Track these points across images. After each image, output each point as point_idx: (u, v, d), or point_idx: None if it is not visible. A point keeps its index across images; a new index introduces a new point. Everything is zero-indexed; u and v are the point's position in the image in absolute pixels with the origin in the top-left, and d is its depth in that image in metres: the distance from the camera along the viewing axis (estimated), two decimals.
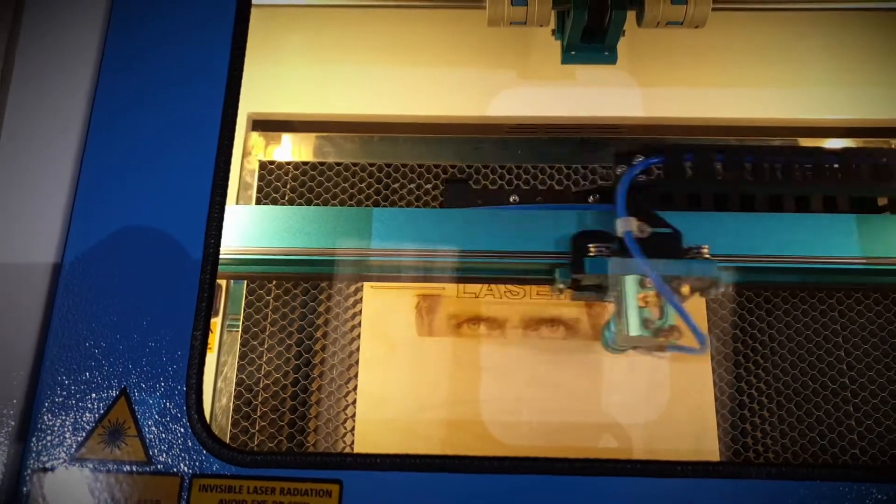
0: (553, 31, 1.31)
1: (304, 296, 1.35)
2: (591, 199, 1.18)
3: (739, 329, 1.34)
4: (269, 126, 1.46)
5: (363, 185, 1.43)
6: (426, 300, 1.35)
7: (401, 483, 0.75)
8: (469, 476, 0.76)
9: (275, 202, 1.40)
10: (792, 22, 1.53)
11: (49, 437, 0.76)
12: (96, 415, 0.77)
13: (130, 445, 0.76)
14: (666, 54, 1.49)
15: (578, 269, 1.06)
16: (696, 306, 1.34)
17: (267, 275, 1.28)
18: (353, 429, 1.28)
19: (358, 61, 1.50)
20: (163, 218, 0.84)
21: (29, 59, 0.91)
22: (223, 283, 1.34)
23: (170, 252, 0.83)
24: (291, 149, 1.47)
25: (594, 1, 1.20)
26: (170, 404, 0.77)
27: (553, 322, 1.32)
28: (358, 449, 1.26)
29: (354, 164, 1.44)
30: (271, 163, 1.44)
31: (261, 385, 1.30)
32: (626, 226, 1.04)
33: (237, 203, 1.40)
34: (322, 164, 1.44)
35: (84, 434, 0.77)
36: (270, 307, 1.34)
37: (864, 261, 1.09)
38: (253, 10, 0.95)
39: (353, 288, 1.35)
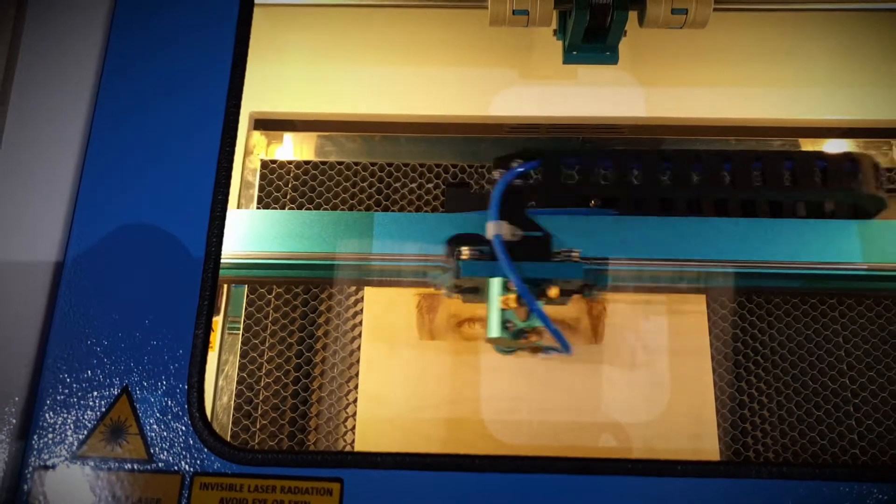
0: (554, 31, 1.31)
1: (305, 294, 1.36)
2: (592, 203, 1.19)
3: (739, 329, 1.34)
4: (271, 125, 1.46)
5: (364, 184, 1.43)
6: (427, 299, 1.35)
7: (402, 481, 0.76)
8: (470, 475, 0.76)
9: (276, 201, 1.41)
10: (793, 22, 1.53)
11: (50, 435, 0.77)
12: (98, 413, 0.77)
13: (132, 443, 0.76)
14: (667, 54, 1.49)
15: (450, 271, 1.10)
16: (696, 307, 1.34)
17: (267, 279, 1.28)
18: (353, 427, 1.28)
19: (360, 60, 1.50)
20: (165, 216, 0.84)
21: (32, 57, 0.91)
22: (224, 286, 1.35)
23: (172, 250, 0.83)
24: (293, 148, 1.47)
25: (596, 1, 1.20)
26: (171, 402, 0.77)
27: (553, 322, 1.32)
28: (359, 447, 1.26)
29: (356, 164, 1.44)
30: (273, 162, 1.44)
31: (262, 384, 1.30)
32: (496, 229, 1.07)
33: (239, 201, 1.40)
34: (324, 163, 1.44)
35: (85, 432, 0.77)
36: (272, 306, 1.34)
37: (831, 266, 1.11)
38: (255, 9, 0.95)
39: (354, 287, 1.36)
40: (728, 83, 1.49)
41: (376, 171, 1.44)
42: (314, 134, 1.48)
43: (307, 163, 1.44)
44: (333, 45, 1.51)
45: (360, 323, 1.33)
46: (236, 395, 1.29)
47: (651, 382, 1.31)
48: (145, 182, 0.86)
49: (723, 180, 1.15)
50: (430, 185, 1.43)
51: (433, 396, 1.30)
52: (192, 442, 0.76)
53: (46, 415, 0.77)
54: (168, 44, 0.92)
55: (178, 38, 0.92)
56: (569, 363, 1.32)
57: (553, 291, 1.08)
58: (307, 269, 1.16)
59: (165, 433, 0.77)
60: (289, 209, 1.40)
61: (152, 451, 0.76)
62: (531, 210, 1.16)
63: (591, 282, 1.10)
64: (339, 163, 1.44)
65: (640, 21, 1.23)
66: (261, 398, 1.29)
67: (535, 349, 1.10)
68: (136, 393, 0.78)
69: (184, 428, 0.77)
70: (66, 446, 0.76)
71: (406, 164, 1.44)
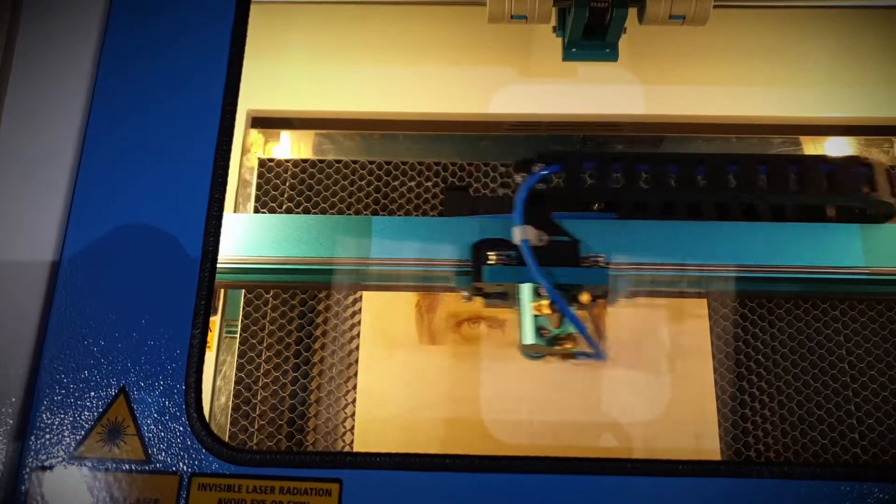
0: (554, 29, 1.31)
1: (303, 293, 1.35)
2: (595, 206, 1.18)
3: (741, 328, 1.33)
4: (268, 123, 1.46)
5: (363, 182, 1.42)
6: (426, 299, 1.34)
7: (401, 482, 0.75)
8: (469, 475, 0.75)
9: (274, 200, 1.40)
10: (792, 20, 1.52)
11: (48, 436, 0.76)
12: (95, 413, 0.77)
13: (129, 444, 0.76)
14: (667, 52, 1.49)
15: (477, 276, 1.08)
16: (697, 308, 1.33)
17: (264, 283, 1.27)
18: (352, 427, 1.27)
19: (358, 58, 1.49)
20: (161, 216, 0.84)
21: (27, 57, 0.91)
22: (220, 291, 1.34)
23: (168, 250, 0.82)
24: (291, 146, 1.47)
25: None
26: (169, 403, 0.77)
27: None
28: (357, 448, 1.25)
29: (354, 162, 1.43)
30: (270, 160, 1.43)
31: (260, 384, 1.29)
32: (523, 234, 1.06)
33: (236, 200, 1.39)
34: (321, 161, 1.43)
35: (83, 432, 0.76)
36: (269, 306, 1.34)
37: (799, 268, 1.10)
38: (252, 7, 0.94)
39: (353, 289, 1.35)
40: (728, 81, 1.48)
41: (375, 169, 1.43)
42: (312, 132, 1.47)
43: (305, 161, 1.43)
44: (331, 43, 1.51)
45: (359, 322, 1.33)
46: (234, 396, 1.29)
47: (652, 381, 1.30)
48: (141, 181, 0.85)
49: (728, 184, 1.13)
50: (430, 184, 1.42)
51: (433, 395, 1.29)
52: (189, 442, 0.76)
53: (44, 415, 0.77)
54: (164, 42, 0.92)
55: (175, 36, 0.92)
56: (570, 362, 1.31)
57: (585, 297, 1.06)
58: (304, 274, 1.15)
59: (163, 434, 0.76)
60: (286, 208, 1.39)
61: (150, 451, 0.76)
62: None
63: (613, 287, 1.09)
64: (338, 161, 1.44)
65: (640, 18, 1.22)
66: (259, 398, 1.29)
67: (566, 355, 1.08)
68: (133, 393, 0.77)
69: (181, 428, 0.76)
70: (63, 447, 0.76)
71: (405, 163, 1.44)
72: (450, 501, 0.75)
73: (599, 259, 1.08)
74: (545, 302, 1.05)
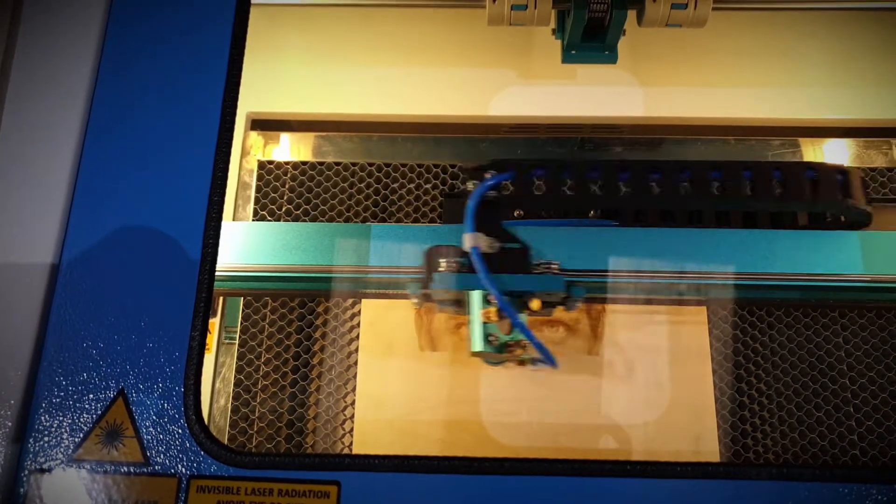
0: (553, 31, 1.31)
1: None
2: (591, 213, 1.18)
3: (740, 330, 1.33)
4: (267, 125, 1.46)
5: (362, 185, 1.42)
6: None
7: (399, 484, 0.75)
8: (468, 477, 0.75)
9: (273, 202, 1.40)
10: (792, 22, 1.53)
11: (46, 438, 0.76)
12: (94, 416, 0.77)
13: (128, 446, 0.76)
14: (666, 54, 1.49)
15: (427, 283, 1.08)
16: (697, 317, 1.33)
17: (263, 291, 1.27)
18: (351, 430, 1.27)
19: (357, 60, 1.49)
20: (161, 218, 0.84)
21: (27, 59, 0.91)
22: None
23: (168, 252, 0.82)
24: (290, 148, 1.47)
25: (594, 0, 1.20)
26: (167, 405, 0.77)
27: (553, 323, 1.32)
28: (356, 450, 1.25)
29: (353, 164, 1.43)
30: (270, 162, 1.43)
31: (259, 386, 1.29)
32: (473, 241, 1.05)
33: (236, 203, 1.39)
34: (321, 163, 1.44)
35: (81, 435, 0.76)
36: (269, 307, 1.34)
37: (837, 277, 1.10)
38: (252, 9, 0.94)
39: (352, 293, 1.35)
40: (727, 83, 1.48)
41: (374, 171, 1.43)
42: (311, 134, 1.47)
43: (304, 163, 1.43)
44: (331, 45, 1.51)
45: (358, 324, 1.33)
46: (233, 398, 1.29)
47: (651, 383, 1.30)
48: (141, 183, 0.85)
49: (712, 190, 1.12)
50: (429, 186, 1.42)
51: (432, 397, 1.29)
52: (188, 445, 0.76)
53: (42, 418, 0.77)
54: (164, 44, 0.92)
55: (175, 38, 0.92)
56: (569, 364, 1.31)
57: (535, 304, 1.07)
58: (303, 282, 1.14)
59: (162, 436, 0.76)
60: (286, 210, 1.39)
61: (148, 454, 0.76)
62: (531, 221, 1.15)
63: (571, 294, 1.09)
64: (337, 163, 1.44)
65: (639, 20, 1.23)
66: (258, 401, 1.29)
67: (522, 362, 1.09)
68: (132, 396, 0.77)
69: (180, 431, 0.76)
70: (62, 449, 0.76)
71: (404, 165, 1.44)
72: (449, 503, 0.75)
73: (553, 266, 1.07)
74: (493, 309, 1.05)
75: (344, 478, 0.75)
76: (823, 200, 1.11)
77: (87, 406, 0.77)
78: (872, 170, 1.44)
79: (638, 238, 1.13)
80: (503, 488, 0.75)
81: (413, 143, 1.48)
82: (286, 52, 1.49)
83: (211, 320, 1.21)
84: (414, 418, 1.28)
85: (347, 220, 1.40)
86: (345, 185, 1.42)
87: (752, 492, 0.75)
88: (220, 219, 0.84)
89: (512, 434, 1.28)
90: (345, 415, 1.28)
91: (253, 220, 1.39)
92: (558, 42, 1.32)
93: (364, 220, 1.39)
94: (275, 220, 1.39)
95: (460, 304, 1.11)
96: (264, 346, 1.31)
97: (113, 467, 0.75)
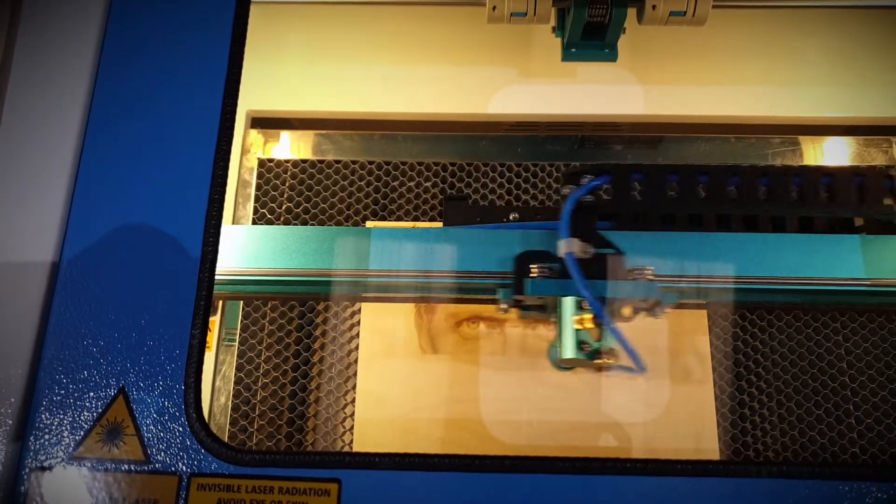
0: (553, 29, 1.31)
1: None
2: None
3: (740, 328, 1.34)
4: (268, 123, 1.46)
5: (362, 182, 1.42)
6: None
7: (400, 482, 0.75)
8: (468, 475, 0.75)
9: (273, 200, 1.40)
10: (792, 20, 1.53)
11: (47, 436, 0.76)
12: (94, 413, 0.77)
13: (129, 444, 0.76)
14: (666, 52, 1.49)
15: (519, 289, 1.06)
16: (698, 312, 1.33)
17: (263, 295, 1.27)
18: (352, 427, 1.27)
19: (357, 58, 1.49)
20: (161, 216, 0.84)
21: (27, 57, 0.91)
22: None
23: (168, 250, 0.82)
24: (290, 146, 1.47)
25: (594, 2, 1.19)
26: (168, 403, 0.77)
27: (552, 322, 1.32)
28: (357, 448, 1.26)
29: (354, 162, 1.43)
30: (270, 160, 1.43)
31: (259, 384, 1.29)
32: (568, 246, 1.03)
33: (236, 200, 1.39)
34: (321, 161, 1.44)
35: (82, 433, 0.76)
36: (269, 305, 1.34)
37: (823, 281, 1.10)
38: (252, 7, 0.94)
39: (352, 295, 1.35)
40: (727, 81, 1.48)
41: (374, 169, 1.43)
42: (311, 132, 1.47)
43: (304, 161, 1.43)
44: (331, 43, 1.51)
45: (359, 322, 1.33)
46: (234, 396, 1.29)
47: (651, 381, 1.30)
48: (141, 181, 0.85)
49: (758, 195, 1.11)
50: (429, 184, 1.42)
51: (433, 396, 1.29)
52: (189, 443, 0.76)
53: (43, 416, 0.77)
54: (164, 42, 0.92)
55: (175, 36, 0.92)
56: (574, 374, 1.31)
57: (628, 310, 1.04)
58: (303, 285, 1.14)
59: (162, 434, 0.76)
60: (286, 208, 1.39)
61: (149, 451, 0.76)
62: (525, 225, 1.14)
63: (664, 300, 1.06)
64: (337, 161, 1.44)
65: (639, 18, 1.23)
66: (258, 398, 1.29)
67: (602, 368, 1.07)
68: (132, 394, 0.77)
69: (181, 429, 0.76)
70: (62, 447, 0.76)
71: (404, 163, 1.44)
72: (449, 501, 0.75)
73: (647, 271, 1.05)
74: (588, 316, 1.03)
75: (345, 475, 0.75)
76: (871, 205, 1.11)
77: (87, 404, 0.77)
78: (872, 168, 1.44)
79: (639, 241, 1.12)
80: (504, 486, 0.75)
81: (413, 141, 1.48)
82: (286, 50, 1.49)
83: (211, 318, 1.21)
84: (414, 416, 1.28)
85: (347, 217, 1.40)
86: (345, 183, 1.42)
87: (753, 489, 0.75)
88: (220, 217, 0.84)
89: (512, 433, 1.28)
90: (345, 412, 1.28)
91: (253, 218, 1.39)
92: (558, 40, 1.32)
93: (364, 219, 1.39)
94: (275, 218, 1.39)
95: (545, 310, 1.09)
96: (265, 344, 1.31)
97: (113, 465, 0.75)
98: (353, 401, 1.28)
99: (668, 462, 0.77)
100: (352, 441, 1.27)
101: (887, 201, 1.11)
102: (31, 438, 0.76)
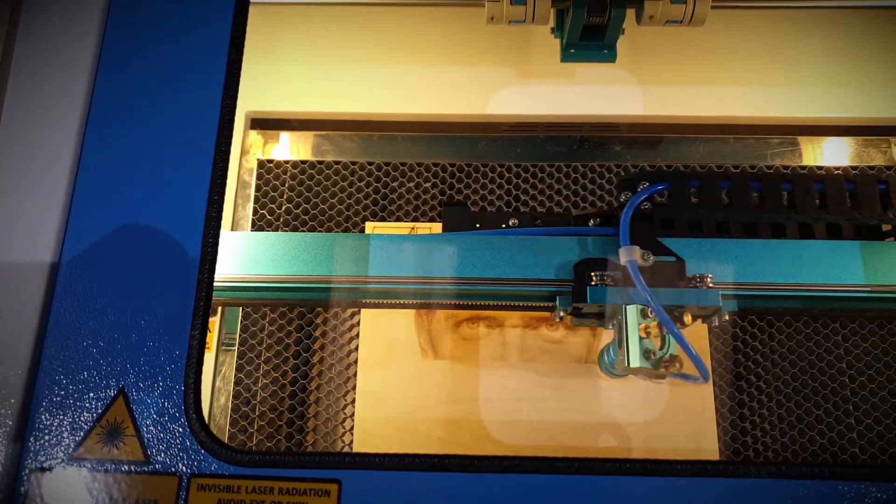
0: (552, 30, 1.31)
1: None
2: (591, 222, 1.17)
3: (739, 328, 1.34)
4: (267, 124, 1.46)
5: (362, 183, 1.42)
6: None
7: (400, 482, 0.75)
8: (468, 475, 0.75)
9: (273, 201, 1.40)
10: (790, 20, 1.53)
11: (47, 437, 0.76)
12: (94, 414, 0.77)
13: (128, 445, 0.76)
14: (665, 53, 1.49)
15: (580, 297, 1.05)
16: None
17: (262, 301, 1.26)
18: (352, 428, 1.27)
19: (356, 59, 1.49)
20: (161, 217, 0.84)
21: (26, 58, 0.91)
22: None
23: (168, 251, 0.82)
24: (290, 147, 1.47)
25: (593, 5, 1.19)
26: (168, 404, 0.77)
27: (552, 321, 1.32)
28: (357, 448, 1.26)
29: (353, 163, 1.44)
30: (270, 161, 1.43)
31: (259, 384, 1.29)
32: (629, 254, 1.02)
33: (235, 201, 1.39)
34: (320, 162, 1.44)
35: (82, 434, 0.76)
36: (269, 306, 1.34)
37: (870, 289, 1.08)
38: (251, 8, 0.94)
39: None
40: (726, 81, 1.48)
41: (374, 170, 1.43)
42: (311, 133, 1.47)
43: (304, 162, 1.43)
44: (330, 44, 1.51)
45: (358, 323, 1.33)
46: (233, 397, 1.29)
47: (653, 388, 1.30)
48: (141, 182, 0.85)
49: (782, 201, 1.10)
50: (428, 185, 1.42)
51: (433, 396, 1.29)
52: (189, 443, 0.76)
53: (42, 416, 0.77)
54: (164, 43, 0.91)
55: (174, 36, 0.92)
56: (568, 362, 1.31)
57: (688, 318, 1.04)
58: (302, 292, 1.13)
59: (162, 435, 0.76)
60: (285, 209, 1.39)
61: (149, 452, 0.76)
62: (527, 231, 1.13)
63: (724, 308, 1.05)
64: (337, 162, 1.44)
65: (638, 19, 1.23)
66: (258, 399, 1.29)
67: (660, 376, 1.05)
68: (132, 394, 0.77)
69: (181, 429, 0.76)
70: (62, 448, 0.76)
71: (404, 164, 1.44)
72: (449, 502, 0.75)
73: (708, 279, 1.04)
74: (652, 324, 1.02)
75: (345, 476, 0.75)
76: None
77: (87, 405, 0.77)
78: (871, 168, 1.44)
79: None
80: (504, 486, 0.75)
81: (412, 141, 1.48)
82: (286, 51, 1.49)
83: (211, 319, 1.21)
84: (414, 416, 1.28)
85: (347, 218, 1.40)
86: (344, 183, 1.42)
87: (752, 490, 0.75)
88: (219, 217, 0.84)
89: (512, 433, 1.28)
90: (345, 413, 1.28)
91: (253, 219, 1.39)
92: (557, 41, 1.32)
93: (364, 219, 1.39)
94: (274, 219, 1.39)
95: (602, 317, 1.09)
96: (264, 345, 1.31)
97: (113, 466, 0.75)
98: (353, 401, 1.28)
99: (667, 462, 0.77)
100: (352, 441, 1.27)
101: None
102: (31, 439, 0.76)
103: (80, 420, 0.77)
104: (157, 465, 0.75)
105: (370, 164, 1.43)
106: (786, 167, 1.46)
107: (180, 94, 0.89)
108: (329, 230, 1.39)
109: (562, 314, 1.09)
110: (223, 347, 1.31)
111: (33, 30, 0.92)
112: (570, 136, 1.48)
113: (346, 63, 1.49)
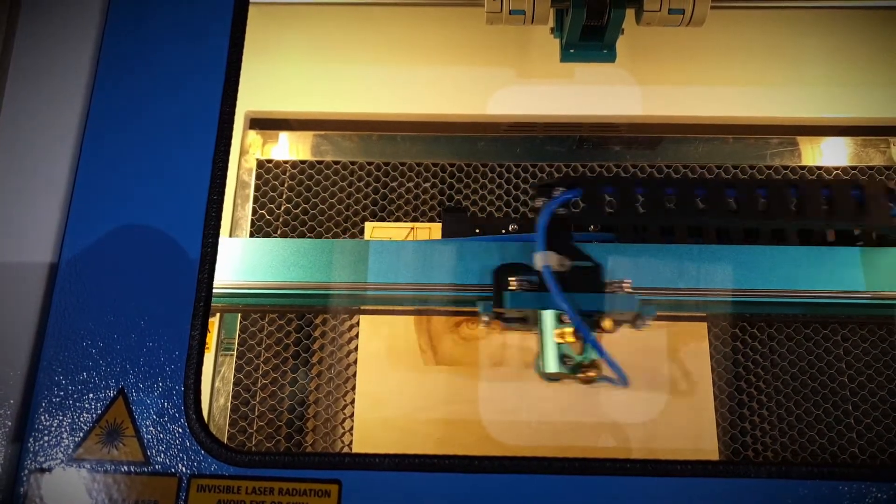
0: (552, 30, 1.31)
1: None
2: (591, 227, 1.17)
3: (739, 328, 1.34)
4: (266, 124, 1.46)
5: (361, 183, 1.42)
6: None
7: (400, 483, 0.75)
8: (468, 476, 0.75)
9: (272, 201, 1.40)
10: (789, 20, 1.53)
11: (46, 438, 0.76)
12: (94, 415, 0.77)
13: (128, 446, 0.76)
14: (664, 53, 1.49)
15: (498, 302, 1.05)
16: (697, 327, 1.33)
17: (260, 308, 1.26)
18: (351, 428, 1.27)
19: (356, 59, 1.49)
20: (160, 217, 0.84)
21: (26, 58, 0.91)
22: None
23: (167, 251, 0.82)
24: (289, 147, 1.47)
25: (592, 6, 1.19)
26: (167, 404, 0.77)
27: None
28: (356, 449, 1.26)
29: (352, 163, 1.44)
30: (269, 161, 1.43)
31: (259, 384, 1.29)
32: (545, 259, 1.02)
33: (235, 201, 1.39)
34: (320, 162, 1.44)
35: (81, 434, 0.76)
36: (267, 312, 1.34)
37: (865, 295, 1.08)
38: (251, 8, 0.94)
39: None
40: (725, 82, 1.49)
41: (373, 170, 1.43)
42: (310, 133, 1.47)
43: (303, 162, 1.43)
44: (329, 44, 1.51)
45: (358, 323, 1.33)
46: (233, 397, 1.29)
47: (650, 382, 1.30)
48: (140, 182, 0.85)
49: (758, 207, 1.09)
50: (428, 185, 1.42)
51: (432, 396, 1.29)
52: (188, 444, 0.76)
53: (42, 417, 0.77)
54: (163, 43, 0.91)
55: (173, 37, 0.92)
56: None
57: (608, 323, 1.03)
58: (301, 298, 1.13)
59: (162, 435, 0.76)
60: (285, 209, 1.39)
61: (149, 453, 0.76)
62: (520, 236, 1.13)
63: (643, 312, 1.05)
64: (336, 162, 1.44)
65: (638, 19, 1.23)
66: (257, 399, 1.29)
67: (588, 381, 1.06)
68: (132, 395, 0.77)
69: (180, 430, 0.76)
70: (62, 449, 0.76)
71: (403, 164, 1.44)
72: (449, 502, 0.75)
73: (625, 284, 1.04)
74: (568, 329, 1.03)
75: (345, 476, 0.75)
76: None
77: (86, 405, 0.77)
78: (870, 168, 1.44)
79: (638, 253, 1.11)
80: (504, 486, 0.75)
81: (412, 141, 1.48)
82: (285, 51, 1.49)
83: (210, 319, 1.21)
84: (414, 416, 1.28)
85: (346, 218, 1.40)
86: (344, 184, 1.42)
87: (752, 490, 0.75)
88: (219, 217, 0.84)
89: (512, 433, 1.28)
90: (345, 413, 1.28)
91: (252, 219, 1.39)
92: (556, 41, 1.32)
93: (363, 219, 1.39)
94: (273, 219, 1.39)
95: (526, 322, 1.09)
96: (264, 345, 1.31)
97: (113, 467, 0.75)
98: (353, 401, 1.28)
99: (667, 462, 0.77)
100: (351, 442, 1.27)
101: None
102: (31, 440, 0.76)
103: (79, 421, 0.77)
104: (156, 466, 0.75)
105: (369, 163, 1.43)
106: (785, 167, 1.46)
107: (180, 94, 0.89)
108: (328, 230, 1.39)
109: (486, 319, 1.08)
110: (222, 352, 1.31)
111: (32, 30, 0.92)
112: (569, 136, 1.48)
113: (346, 63, 1.49)
